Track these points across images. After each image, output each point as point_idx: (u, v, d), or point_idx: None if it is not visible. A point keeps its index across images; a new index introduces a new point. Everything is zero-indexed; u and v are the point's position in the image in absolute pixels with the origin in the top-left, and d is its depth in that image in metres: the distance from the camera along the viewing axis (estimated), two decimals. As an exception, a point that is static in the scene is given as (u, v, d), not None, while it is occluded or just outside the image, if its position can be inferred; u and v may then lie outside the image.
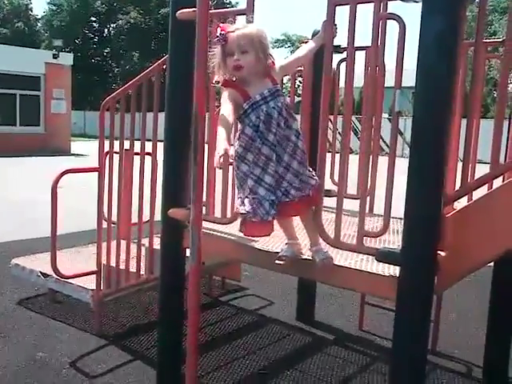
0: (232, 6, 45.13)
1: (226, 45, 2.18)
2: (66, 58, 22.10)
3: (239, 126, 2.30)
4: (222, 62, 2.22)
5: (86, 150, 19.46)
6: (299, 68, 3.50)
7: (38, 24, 49.70)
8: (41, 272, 4.07)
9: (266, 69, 2.25)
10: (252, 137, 2.22)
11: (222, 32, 2.17)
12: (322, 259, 2.32)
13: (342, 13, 2.27)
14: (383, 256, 2.13)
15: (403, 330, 2.12)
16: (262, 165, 2.23)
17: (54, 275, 3.80)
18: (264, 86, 2.24)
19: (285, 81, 3.67)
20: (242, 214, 2.27)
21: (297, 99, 5.27)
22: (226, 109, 2.22)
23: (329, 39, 2.22)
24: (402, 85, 2.16)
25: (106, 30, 47.56)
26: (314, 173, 2.33)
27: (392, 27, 2.46)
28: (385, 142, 8.73)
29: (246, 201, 2.25)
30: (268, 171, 2.23)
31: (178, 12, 2.67)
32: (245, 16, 2.47)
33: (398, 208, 2.10)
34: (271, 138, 2.21)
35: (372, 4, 2.17)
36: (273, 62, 2.27)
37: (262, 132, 2.21)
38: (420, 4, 1.92)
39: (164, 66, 3.32)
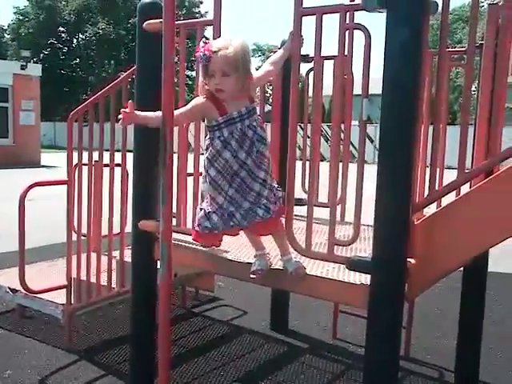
0: (201, 15, 45.28)
1: (209, 65, 2.14)
2: (35, 69, 21.79)
3: (208, 135, 2.29)
4: (203, 81, 2.21)
5: (57, 162, 19.14)
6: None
7: (5, 34, 48.94)
8: (9, 287, 3.97)
9: (245, 86, 2.22)
10: (219, 150, 2.23)
11: (206, 53, 2.12)
12: (294, 268, 2.32)
13: (310, 23, 2.29)
14: (354, 264, 2.14)
15: (375, 337, 2.12)
16: (229, 178, 2.24)
17: (23, 290, 3.72)
18: (242, 103, 2.24)
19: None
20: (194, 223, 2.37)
21: (267, 108, 5.29)
22: (183, 109, 2.29)
23: (296, 49, 2.23)
24: (372, 92, 2.18)
25: (74, 41, 47.10)
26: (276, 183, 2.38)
27: (359, 36, 2.50)
28: (356, 149, 8.82)
29: (202, 211, 2.33)
30: (232, 185, 2.25)
31: (145, 23, 2.66)
32: (212, 27, 2.47)
33: (370, 215, 2.11)
34: (243, 156, 2.21)
35: (338, 14, 2.19)
36: (251, 77, 2.25)
37: (235, 149, 2.21)
38: (384, 14, 1.94)
39: (133, 76, 3.29)
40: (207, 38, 2.27)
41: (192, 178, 2.85)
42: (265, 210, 2.27)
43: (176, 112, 2.24)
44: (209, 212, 2.31)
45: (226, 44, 2.14)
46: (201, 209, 2.36)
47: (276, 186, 2.35)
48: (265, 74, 2.43)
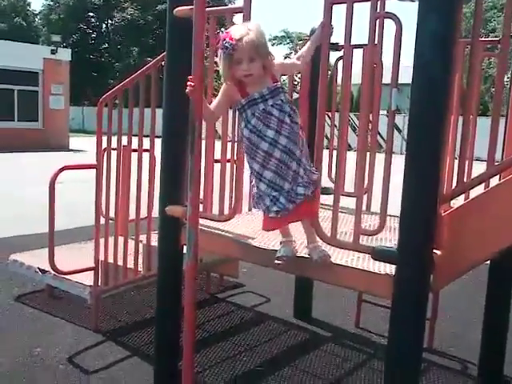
0: (230, 1, 45.08)
1: (234, 53, 2.16)
2: (64, 54, 22.07)
3: (240, 128, 2.36)
4: (229, 70, 2.23)
5: (85, 146, 19.45)
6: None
7: (36, 19, 49.55)
8: (39, 268, 4.08)
9: (267, 67, 2.26)
10: (248, 136, 2.27)
11: (230, 42, 2.15)
12: (319, 257, 2.33)
13: (340, 11, 2.28)
14: (379, 254, 2.14)
15: (399, 328, 2.13)
16: (261, 161, 2.26)
17: (52, 271, 3.81)
18: (264, 85, 2.26)
19: (283, 78, 3.69)
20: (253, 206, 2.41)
21: (295, 96, 5.28)
22: (215, 101, 2.36)
23: (325, 38, 2.23)
24: (401, 81, 2.17)
25: (103, 26, 47.43)
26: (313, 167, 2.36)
27: (389, 25, 2.48)
28: (383, 138, 8.73)
29: (254, 195, 2.36)
30: (268, 167, 2.25)
31: (175, 9, 2.67)
32: (242, 14, 2.47)
33: (396, 205, 2.11)
34: (272, 134, 2.22)
35: (369, 2, 2.17)
36: (272, 58, 2.27)
37: (258, 128, 2.24)
38: (416, 3, 1.92)
39: (162, 63, 3.32)
40: (223, 29, 2.30)
41: (219, 164, 2.88)
42: (304, 187, 2.26)
43: (211, 105, 2.33)
44: (260, 196, 2.32)
45: (246, 30, 2.17)
46: (259, 195, 2.34)
47: (310, 168, 2.32)
48: (290, 65, 2.49)
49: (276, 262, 2.41)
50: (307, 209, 2.31)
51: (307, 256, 2.40)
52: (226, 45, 2.15)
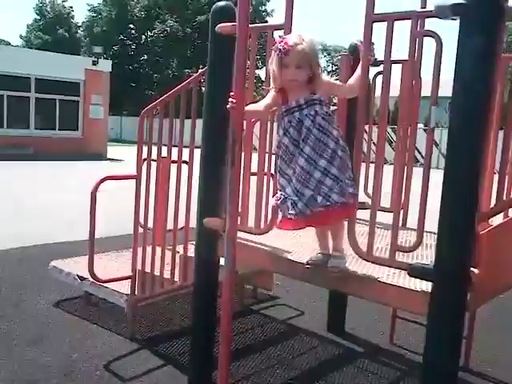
0: (267, 13, 45.36)
1: (285, 57, 2.31)
2: (105, 65, 22.63)
3: (278, 132, 2.47)
4: (278, 72, 2.36)
5: (122, 156, 19.82)
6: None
7: (79, 31, 50.91)
8: (77, 275, 4.18)
9: (313, 80, 2.39)
10: (280, 136, 2.42)
11: (285, 47, 2.30)
12: (331, 265, 2.42)
13: (380, 27, 2.30)
14: (416, 271, 2.14)
15: (434, 346, 2.12)
16: (294, 167, 2.39)
17: (90, 278, 3.90)
18: (302, 95, 2.39)
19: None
20: (272, 207, 2.54)
21: (332, 108, 5.30)
22: (263, 101, 2.48)
23: (366, 54, 2.26)
24: (440, 94, 2.17)
25: (143, 37, 48.38)
26: (353, 182, 2.40)
27: (428, 41, 2.48)
28: (420, 153, 8.65)
29: (275, 196, 2.50)
30: (295, 174, 2.38)
31: (218, 26, 2.74)
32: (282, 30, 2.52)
33: (433, 222, 2.10)
34: (300, 143, 2.35)
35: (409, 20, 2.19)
36: (318, 73, 2.39)
37: (294, 138, 2.36)
38: (458, 21, 1.93)
39: (203, 77, 3.40)
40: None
41: (255, 177, 2.91)
42: (323, 198, 2.32)
43: (259, 104, 2.47)
44: (285, 198, 2.42)
45: (301, 40, 2.33)
46: (285, 197, 2.43)
47: (347, 181, 2.36)
48: (336, 87, 2.58)
49: (306, 266, 2.50)
50: (325, 218, 2.40)
51: (327, 267, 2.44)
52: (280, 47, 2.31)
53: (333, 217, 2.40)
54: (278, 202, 2.44)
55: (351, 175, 2.39)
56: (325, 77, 2.47)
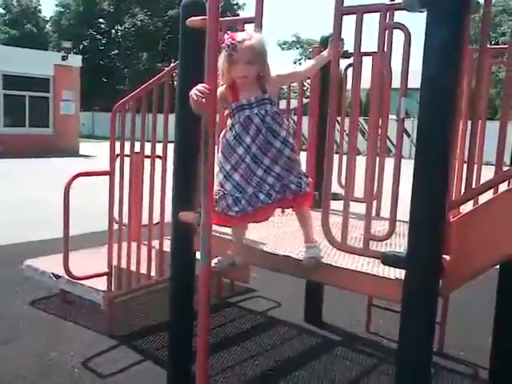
0: (239, 7, 45.17)
1: (234, 53, 2.31)
2: (75, 60, 22.29)
3: (225, 129, 2.48)
4: (227, 69, 2.36)
5: (95, 151, 19.62)
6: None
7: (47, 26, 49.97)
8: (53, 273, 4.14)
9: (262, 77, 2.41)
10: (228, 138, 2.42)
11: (233, 42, 2.30)
12: (307, 257, 2.44)
13: (350, 20, 2.33)
14: (389, 259, 2.18)
15: (409, 332, 2.16)
16: (233, 163, 2.41)
17: (66, 276, 3.88)
18: (253, 93, 2.41)
19: (294, 84, 3.74)
20: None
21: (305, 101, 5.33)
22: None
23: (335, 49, 2.28)
24: (411, 86, 2.21)
25: (113, 31, 47.72)
26: (302, 179, 2.45)
27: (398, 33, 2.52)
28: (392, 143, 8.74)
29: (214, 190, 2.45)
30: (238, 170, 2.40)
31: (188, 20, 2.73)
32: (253, 24, 2.53)
33: (405, 211, 2.15)
34: (248, 140, 2.37)
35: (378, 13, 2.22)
36: (267, 70, 2.41)
37: (239, 134, 2.39)
38: (425, 13, 1.97)
39: (175, 71, 3.39)
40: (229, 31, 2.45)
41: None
42: (266, 195, 2.40)
43: None
44: (224, 194, 2.44)
45: (249, 36, 2.35)
46: (224, 193, 2.44)
47: (292, 178, 2.43)
48: (290, 76, 2.63)
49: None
50: (266, 214, 2.50)
51: (295, 257, 2.49)
52: (228, 43, 2.30)
53: (269, 213, 2.52)
54: (216, 197, 2.44)
55: (300, 172, 2.47)
56: (274, 71, 2.45)
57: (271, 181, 2.40)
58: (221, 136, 2.47)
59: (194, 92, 2.21)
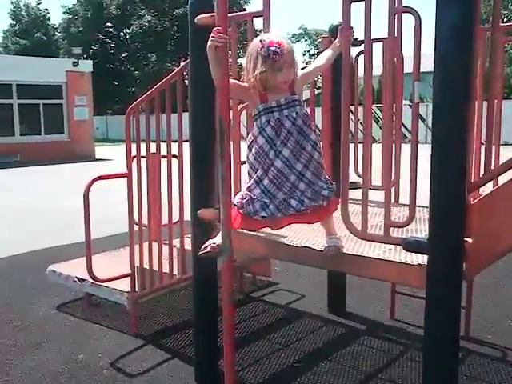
0: (245, 1, 45.06)
1: (279, 59, 2.23)
2: (86, 65, 22.44)
3: (252, 132, 2.41)
4: (272, 76, 2.26)
5: (110, 155, 19.76)
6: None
7: (56, 33, 50.36)
8: (77, 277, 4.19)
9: (294, 77, 2.35)
10: (255, 135, 2.36)
11: (278, 48, 2.22)
12: (327, 246, 2.44)
13: (359, 7, 2.31)
14: (411, 245, 2.17)
15: (434, 318, 2.15)
16: (266, 167, 2.35)
17: (90, 279, 3.92)
18: (282, 95, 2.35)
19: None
20: (232, 203, 2.43)
21: (317, 91, 5.31)
22: (234, 81, 2.37)
23: (346, 38, 2.27)
24: (423, 70, 2.19)
25: (121, 35, 47.94)
26: (329, 183, 2.42)
27: (408, 17, 2.50)
28: (407, 129, 8.67)
29: (239, 194, 2.44)
30: (268, 175, 2.35)
31: (197, 17, 2.74)
32: (261, 18, 2.53)
33: (425, 196, 2.14)
34: (278, 143, 2.32)
35: (387, -2, 2.20)
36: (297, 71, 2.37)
37: (271, 137, 2.32)
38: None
39: (186, 70, 3.40)
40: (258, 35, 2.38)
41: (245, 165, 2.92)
42: (298, 202, 2.36)
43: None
44: (252, 199, 2.39)
45: (282, 39, 2.27)
46: (252, 198, 2.40)
47: (321, 184, 2.39)
48: (312, 71, 2.54)
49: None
50: (296, 221, 2.45)
51: (316, 248, 2.49)
52: (276, 50, 2.21)
53: (305, 221, 2.48)
54: (243, 201, 2.40)
55: (327, 177, 2.43)
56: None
57: (303, 187, 2.35)
58: (249, 139, 2.41)
59: (211, 38, 2.16)
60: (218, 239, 2.45)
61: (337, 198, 2.42)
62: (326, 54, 2.51)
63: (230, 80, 2.31)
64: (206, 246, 2.47)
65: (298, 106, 2.36)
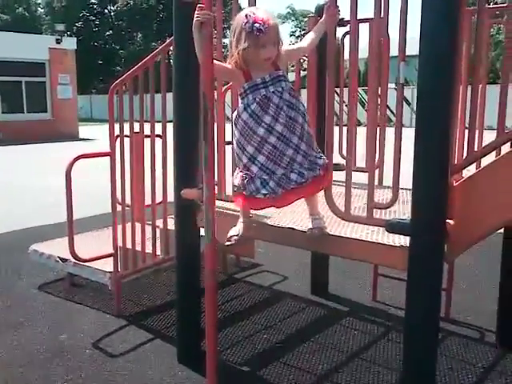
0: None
1: (262, 36, 2.20)
2: (70, 43, 22.11)
3: (237, 109, 2.39)
4: (255, 52, 2.24)
5: (94, 134, 19.59)
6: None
7: (39, 9, 49.41)
8: (59, 257, 4.16)
9: (278, 54, 2.33)
10: (246, 119, 2.33)
11: (264, 25, 2.19)
12: (311, 228, 2.45)
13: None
14: (393, 227, 2.18)
15: (415, 299, 2.18)
16: (256, 144, 2.33)
17: (72, 259, 3.90)
18: (267, 71, 2.33)
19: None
20: (233, 186, 2.48)
21: (303, 73, 5.28)
22: (219, 63, 2.35)
23: (332, 17, 2.25)
24: (408, 53, 2.18)
25: (106, 12, 47.15)
26: (320, 153, 2.41)
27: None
28: (392, 112, 8.69)
29: (239, 175, 2.42)
30: (262, 151, 2.32)
31: (181, -6, 2.69)
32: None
33: (408, 178, 2.14)
34: (267, 119, 2.29)
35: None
36: (281, 47, 2.34)
37: (256, 113, 2.31)
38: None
39: (170, 48, 3.35)
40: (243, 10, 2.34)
41: (230, 146, 2.91)
42: (298, 175, 2.34)
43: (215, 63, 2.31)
44: (252, 177, 2.38)
45: (268, 15, 2.24)
46: (251, 176, 2.39)
47: (315, 154, 2.39)
48: (296, 51, 2.53)
49: (226, 242, 2.56)
50: (298, 195, 2.40)
51: (300, 229, 2.50)
52: (260, 27, 2.18)
53: (307, 193, 2.43)
54: (244, 181, 2.39)
55: (317, 147, 2.42)
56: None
57: (300, 159, 2.33)
58: (233, 117, 2.39)
59: (195, 15, 2.16)
60: (235, 230, 2.57)
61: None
62: (311, 35, 2.48)
63: (215, 62, 2.30)
64: (230, 239, 2.55)
65: (283, 82, 2.35)
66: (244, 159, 2.38)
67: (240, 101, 2.39)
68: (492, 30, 3.32)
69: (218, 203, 2.71)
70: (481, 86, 2.86)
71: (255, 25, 2.19)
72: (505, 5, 2.97)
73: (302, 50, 2.55)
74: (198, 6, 2.14)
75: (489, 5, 2.69)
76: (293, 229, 2.56)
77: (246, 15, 2.22)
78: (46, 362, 3.23)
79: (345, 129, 3.39)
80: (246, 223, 2.60)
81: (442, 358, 3.21)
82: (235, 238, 2.56)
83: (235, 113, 2.40)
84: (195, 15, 2.15)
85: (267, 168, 2.34)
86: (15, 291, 4.38)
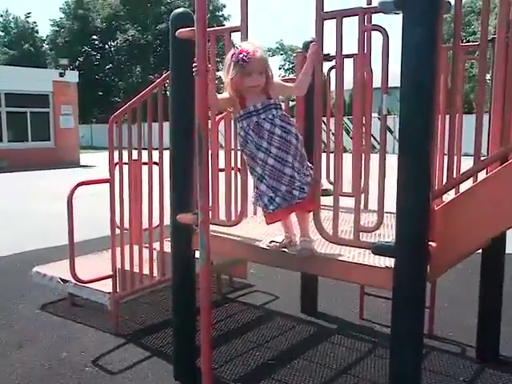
0: (224, 18, 45.14)
1: (247, 65, 2.32)
2: (72, 76, 22.17)
3: (239, 132, 2.50)
4: (240, 80, 2.36)
5: (95, 161, 19.53)
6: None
7: (44, 45, 49.71)
8: (60, 278, 4.11)
9: (268, 83, 2.42)
10: (250, 148, 2.43)
11: (246, 55, 2.30)
12: (297, 250, 2.49)
13: (331, 25, 2.32)
14: (379, 249, 2.18)
15: (400, 317, 2.16)
16: (261, 167, 2.43)
17: (73, 280, 3.85)
18: (259, 99, 2.42)
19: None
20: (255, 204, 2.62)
21: (291, 104, 5.33)
22: (222, 95, 2.49)
23: (318, 53, 2.27)
24: (391, 85, 2.20)
25: (106, 47, 47.50)
26: (310, 169, 2.47)
27: (377, 35, 2.51)
28: (376, 140, 8.75)
29: (253, 193, 2.54)
30: (265, 172, 2.42)
31: (178, 31, 2.72)
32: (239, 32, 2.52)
33: (392, 203, 2.15)
34: (265, 144, 2.39)
35: (357, 17, 2.21)
36: (271, 77, 2.43)
37: (255, 140, 2.40)
38: (401, 15, 1.96)
39: (167, 81, 3.37)
40: (234, 44, 2.43)
41: (223, 173, 2.92)
42: (300, 191, 2.41)
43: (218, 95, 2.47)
44: (260, 195, 2.49)
45: (256, 47, 2.35)
46: (259, 194, 2.49)
47: (305, 171, 2.44)
48: (288, 88, 2.61)
49: (268, 244, 2.61)
50: (300, 206, 2.47)
51: (290, 252, 2.52)
52: (243, 57, 2.30)
53: (307, 207, 2.47)
54: (253, 199, 2.51)
55: (309, 164, 2.48)
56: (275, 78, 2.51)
57: (297, 176, 2.41)
58: (239, 140, 2.50)
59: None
60: (279, 238, 2.63)
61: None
62: (299, 77, 2.52)
63: (217, 94, 2.45)
64: (270, 243, 2.62)
65: (274, 109, 2.42)
66: (254, 180, 2.50)
67: (238, 125, 2.49)
68: (466, 64, 3.36)
69: (212, 227, 2.69)
70: (457, 115, 2.89)
71: (240, 55, 2.31)
72: (476, 43, 3.02)
73: (293, 91, 2.66)
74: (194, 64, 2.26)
75: (462, 43, 2.74)
76: (283, 252, 2.55)
77: (234, 47, 2.35)
78: (48, 379, 3.17)
79: (331, 156, 3.40)
80: (286, 236, 2.65)
81: (427, 372, 3.18)
82: (275, 244, 2.61)
83: (238, 137, 2.50)
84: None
85: (273, 186, 2.42)
86: (18, 311, 4.31)
